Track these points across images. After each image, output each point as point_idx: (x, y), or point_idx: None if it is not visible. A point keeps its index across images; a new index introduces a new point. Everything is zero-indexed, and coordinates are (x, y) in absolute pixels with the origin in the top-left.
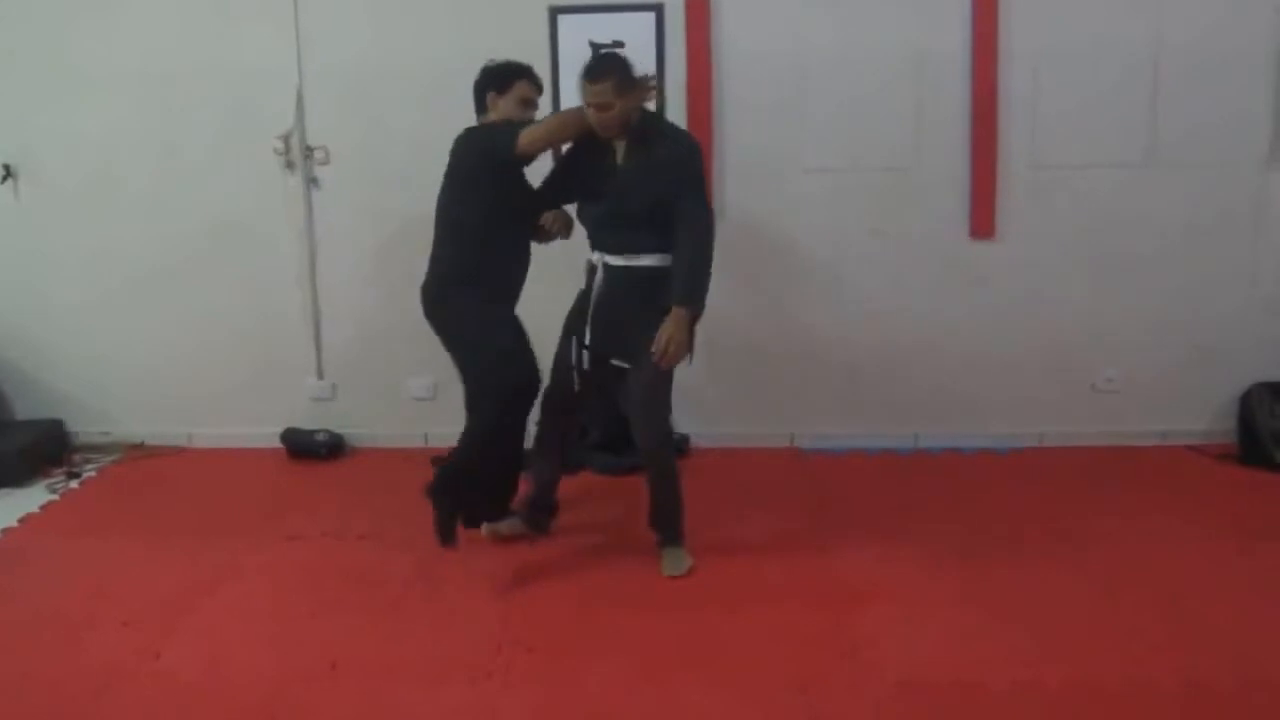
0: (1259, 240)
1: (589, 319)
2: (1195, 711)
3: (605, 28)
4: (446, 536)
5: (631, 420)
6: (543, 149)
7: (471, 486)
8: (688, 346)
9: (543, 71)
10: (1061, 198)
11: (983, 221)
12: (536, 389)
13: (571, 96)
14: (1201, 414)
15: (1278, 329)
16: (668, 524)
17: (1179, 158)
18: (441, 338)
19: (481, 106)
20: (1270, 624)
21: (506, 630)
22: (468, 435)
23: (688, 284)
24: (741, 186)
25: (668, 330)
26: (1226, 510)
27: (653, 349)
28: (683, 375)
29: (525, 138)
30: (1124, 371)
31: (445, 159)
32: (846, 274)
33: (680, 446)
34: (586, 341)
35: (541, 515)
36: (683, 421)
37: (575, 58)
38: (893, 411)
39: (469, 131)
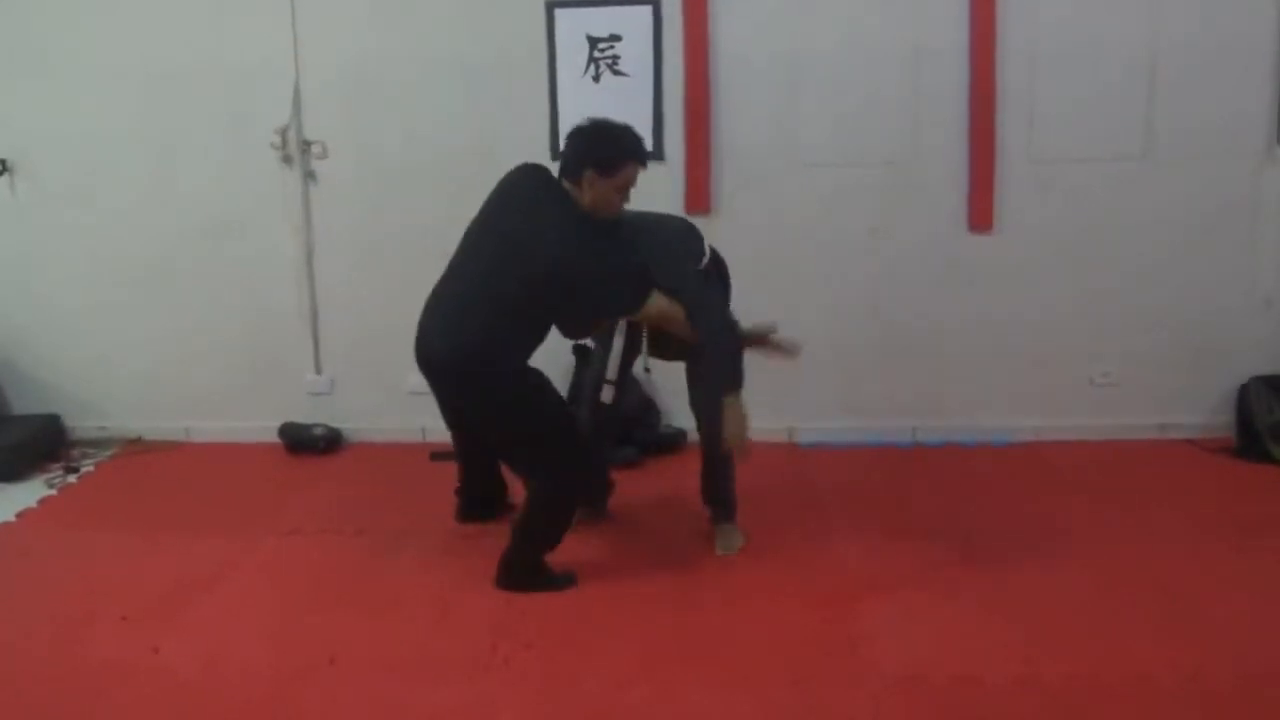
0: (1257, 234)
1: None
2: (1193, 706)
3: (602, 22)
4: (563, 581)
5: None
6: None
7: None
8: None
9: (540, 67)
10: (1059, 191)
11: (981, 215)
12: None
13: (570, 92)
14: (1199, 408)
15: (1275, 323)
16: (721, 500)
17: (1177, 152)
18: (487, 401)
19: (573, 173)
20: (1268, 618)
21: (504, 626)
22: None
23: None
24: (738, 181)
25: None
26: (1224, 504)
27: None
28: (680, 373)
29: (650, 309)
30: (1121, 365)
31: (443, 154)
32: (843, 267)
33: (677, 441)
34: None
35: (598, 497)
36: (680, 417)
37: (572, 53)
38: (891, 406)
39: (572, 223)
